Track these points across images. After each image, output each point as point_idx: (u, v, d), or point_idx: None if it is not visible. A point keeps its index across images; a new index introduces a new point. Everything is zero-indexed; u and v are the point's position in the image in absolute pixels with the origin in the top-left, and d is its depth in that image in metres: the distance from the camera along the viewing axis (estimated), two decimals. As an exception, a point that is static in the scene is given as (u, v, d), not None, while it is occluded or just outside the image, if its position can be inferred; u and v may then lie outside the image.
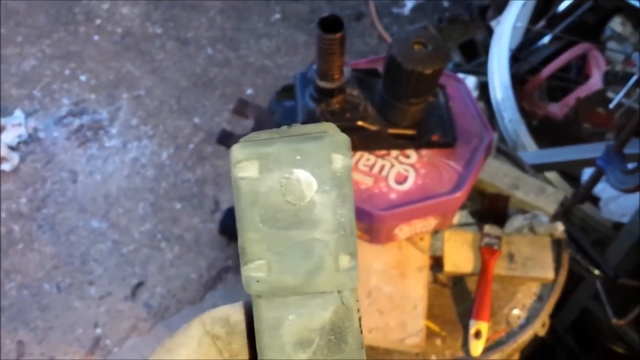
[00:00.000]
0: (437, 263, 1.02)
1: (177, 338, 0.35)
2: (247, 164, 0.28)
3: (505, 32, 1.83)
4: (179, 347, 0.34)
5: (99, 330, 1.67)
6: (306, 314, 0.29)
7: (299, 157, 0.28)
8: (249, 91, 2.20)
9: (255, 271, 0.29)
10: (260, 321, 0.30)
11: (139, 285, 1.74)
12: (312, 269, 0.28)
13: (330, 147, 0.28)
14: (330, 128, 0.29)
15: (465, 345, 0.95)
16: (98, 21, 2.39)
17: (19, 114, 2.10)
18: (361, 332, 0.30)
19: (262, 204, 0.28)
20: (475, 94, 1.78)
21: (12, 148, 2.02)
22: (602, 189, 1.47)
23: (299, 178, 0.28)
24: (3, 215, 1.87)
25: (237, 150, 0.28)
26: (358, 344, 0.29)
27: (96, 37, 2.34)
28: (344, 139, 0.28)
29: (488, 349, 0.94)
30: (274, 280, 0.28)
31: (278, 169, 0.28)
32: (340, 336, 0.29)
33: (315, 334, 0.29)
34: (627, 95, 1.53)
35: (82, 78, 2.22)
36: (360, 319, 0.30)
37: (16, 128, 2.06)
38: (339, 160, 0.28)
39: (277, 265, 0.28)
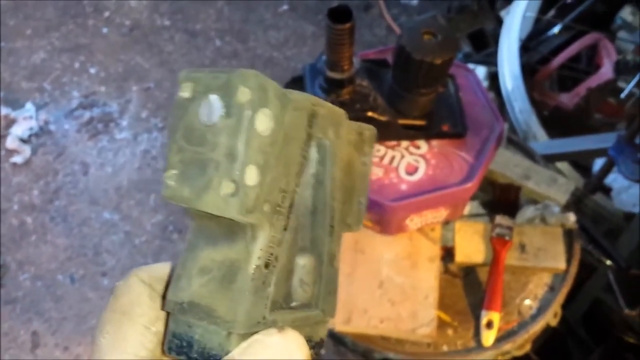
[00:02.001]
0: (448, 254, 1.02)
1: (123, 298, 0.33)
2: (185, 85, 0.32)
3: (515, 21, 1.82)
4: (132, 307, 0.33)
5: (111, 321, 1.68)
6: (217, 245, 0.32)
7: (217, 85, 0.30)
8: (258, 83, 2.20)
9: (168, 179, 0.31)
10: (186, 241, 0.34)
11: (151, 276, 1.76)
12: (202, 186, 0.30)
13: (239, 79, 0.30)
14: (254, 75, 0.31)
15: (476, 335, 0.95)
16: (106, 13, 2.40)
17: (29, 106, 2.11)
18: (252, 279, 0.31)
19: (185, 121, 0.31)
20: (485, 84, 1.78)
21: (24, 141, 2.03)
22: (614, 179, 1.46)
23: (211, 102, 0.30)
24: (16, 207, 1.89)
25: (181, 73, 0.32)
26: (244, 286, 0.31)
27: (105, 30, 2.35)
28: (256, 78, 0.31)
29: (500, 340, 0.94)
30: (177, 189, 0.31)
31: (203, 93, 0.31)
32: (231, 275, 0.31)
33: (215, 265, 0.32)
34: (638, 84, 1.52)
35: (92, 71, 2.23)
36: (260, 268, 0.32)
37: (27, 121, 2.07)
38: (246, 94, 0.30)
39: (181, 176, 0.31)
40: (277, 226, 0.33)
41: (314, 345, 0.36)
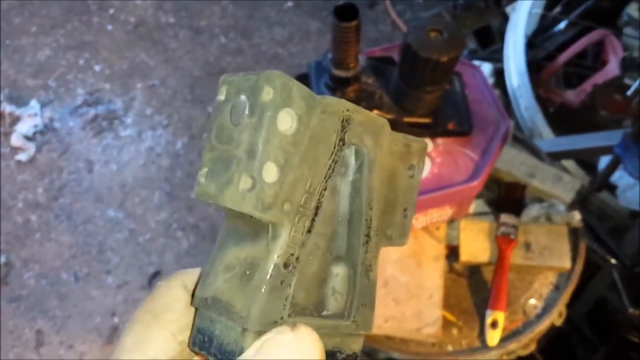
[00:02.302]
0: (453, 252, 1.01)
1: (160, 300, 0.34)
2: (221, 89, 0.33)
3: (521, 18, 1.81)
4: (165, 311, 0.33)
5: (116, 319, 1.69)
6: (243, 243, 0.33)
7: (247, 87, 0.32)
8: (263, 80, 2.20)
9: (200, 176, 0.32)
10: (217, 239, 0.35)
11: (156, 274, 1.76)
12: (224, 182, 0.31)
13: (265, 80, 0.31)
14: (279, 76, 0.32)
15: (481, 335, 0.94)
16: (111, 11, 2.40)
17: (34, 104, 2.11)
18: (269, 276, 0.32)
19: (218, 121, 0.32)
20: (490, 81, 1.77)
21: (28, 138, 2.03)
22: (620, 176, 1.45)
23: (239, 102, 0.31)
24: (20, 205, 1.89)
25: (221, 77, 0.34)
26: (261, 284, 0.32)
27: (110, 27, 2.35)
28: (281, 78, 0.32)
29: (504, 339, 0.94)
30: (205, 186, 0.31)
31: (234, 94, 0.32)
32: (251, 272, 0.32)
33: (238, 263, 0.33)
34: (645, 81, 1.51)
35: (97, 68, 2.23)
36: (278, 267, 0.32)
37: (32, 118, 2.07)
38: (269, 94, 0.31)
39: (210, 173, 0.32)
40: (298, 227, 0.33)
41: (345, 358, 0.36)
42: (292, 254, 0.33)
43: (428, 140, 0.95)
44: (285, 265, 0.33)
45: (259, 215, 0.31)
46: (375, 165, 0.36)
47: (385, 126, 0.37)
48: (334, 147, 0.34)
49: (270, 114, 0.31)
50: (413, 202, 0.40)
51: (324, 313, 0.35)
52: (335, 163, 0.34)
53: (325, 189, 0.34)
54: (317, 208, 0.34)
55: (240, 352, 0.31)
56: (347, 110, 0.35)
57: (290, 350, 0.30)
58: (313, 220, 0.34)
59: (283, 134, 0.32)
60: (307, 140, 0.33)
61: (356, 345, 0.37)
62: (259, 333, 0.31)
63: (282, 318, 0.32)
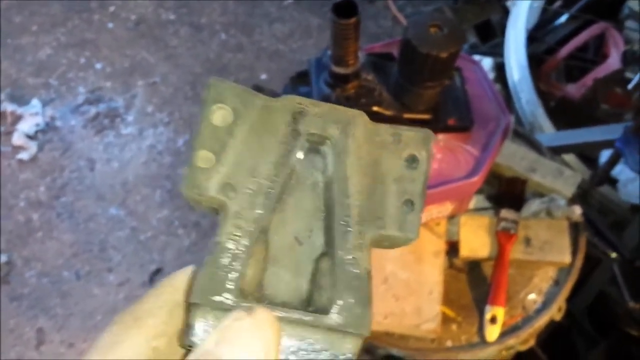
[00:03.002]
0: (453, 248, 1.01)
1: (145, 304, 0.33)
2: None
3: (522, 12, 1.81)
4: (146, 316, 0.33)
5: (118, 316, 1.69)
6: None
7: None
8: (263, 76, 2.20)
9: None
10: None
11: (157, 271, 1.76)
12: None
13: (207, 85, 0.37)
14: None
15: (481, 330, 0.94)
16: (112, 8, 2.40)
17: (36, 102, 2.12)
18: (210, 253, 0.35)
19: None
20: (491, 75, 1.76)
21: (30, 137, 2.04)
22: (621, 170, 1.45)
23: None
24: (22, 204, 1.90)
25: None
26: (206, 260, 0.35)
27: (110, 25, 2.35)
28: (215, 81, 0.37)
29: (504, 334, 0.94)
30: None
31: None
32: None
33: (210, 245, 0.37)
34: (646, 75, 1.51)
35: (98, 66, 2.23)
36: (221, 245, 0.35)
37: (33, 117, 2.08)
38: (205, 94, 0.37)
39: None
40: (243, 207, 0.36)
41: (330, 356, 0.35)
42: (235, 234, 0.35)
43: (427, 136, 0.95)
44: (228, 243, 0.35)
45: (196, 197, 0.35)
46: (347, 155, 0.37)
47: (358, 117, 0.38)
48: (285, 137, 0.37)
49: (205, 109, 0.36)
50: (418, 193, 0.38)
51: (310, 309, 0.35)
52: (288, 151, 0.37)
53: (277, 176, 0.36)
54: (269, 193, 0.36)
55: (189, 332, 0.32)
56: (300, 104, 0.37)
57: (250, 334, 0.30)
58: (264, 204, 0.36)
59: (217, 126, 0.36)
60: (246, 132, 0.37)
61: (348, 347, 0.35)
62: (201, 308, 0.32)
63: (228, 298, 0.33)
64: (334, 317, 0.35)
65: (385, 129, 0.38)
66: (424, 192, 0.38)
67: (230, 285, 0.34)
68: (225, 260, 0.34)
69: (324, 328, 0.34)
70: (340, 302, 0.35)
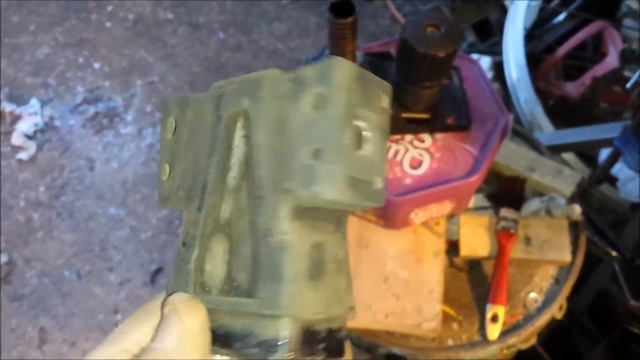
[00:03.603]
0: (453, 247, 1.02)
1: (128, 326, 0.34)
2: None
3: (520, 10, 1.81)
4: (128, 329, 0.34)
5: (119, 316, 1.69)
6: None
7: None
8: (262, 75, 2.20)
9: None
10: None
11: (158, 271, 1.76)
12: None
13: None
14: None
15: (481, 329, 0.95)
16: (110, 8, 2.39)
17: (34, 102, 2.12)
18: (175, 256, 0.38)
19: None
20: (489, 74, 1.76)
21: (29, 137, 2.04)
22: (620, 169, 1.45)
23: None
24: (22, 203, 1.89)
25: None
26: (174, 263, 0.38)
27: (108, 24, 2.35)
28: (165, 100, 0.41)
29: (505, 333, 0.94)
30: None
31: None
32: None
33: None
34: (645, 73, 1.51)
35: (96, 65, 2.23)
36: (180, 247, 0.37)
37: (32, 117, 2.08)
38: (161, 112, 0.41)
39: None
40: (191, 208, 0.36)
41: (259, 343, 0.32)
42: (188, 233, 0.36)
43: (427, 136, 0.95)
44: (184, 244, 0.36)
45: (163, 206, 0.39)
46: (256, 121, 0.34)
47: (263, 79, 0.34)
48: (212, 126, 0.36)
49: (161, 126, 0.39)
50: (327, 138, 0.31)
51: (237, 293, 0.34)
52: (214, 140, 0.36)
53: (209, 167, 0.36)
54: (204, 186, 0.36)
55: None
56: (220, 87, 0.37)
57: (179, 324, 0.31)
58: (202, 198, 0.36)
59: (168, 138, 0.39)
60: (186, 134, 0.38)
61: (270, 330, 0.31)
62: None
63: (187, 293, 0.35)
64: (255, 298, 0.32)
65: (284, 77, 0.34)
66: (339, 134, 0.31)
67: (189, 282, 0.35)
68: (183, 262, 0.36)
69: (251, 313, 0.32)
70: (260, 282, 0.32)
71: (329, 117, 0.31)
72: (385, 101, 0.34)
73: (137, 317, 0.35)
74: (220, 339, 0.33)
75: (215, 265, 0.36)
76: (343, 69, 0.31)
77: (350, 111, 0.31)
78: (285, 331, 0.31)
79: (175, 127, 0.39)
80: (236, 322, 0.33)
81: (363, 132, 0.32)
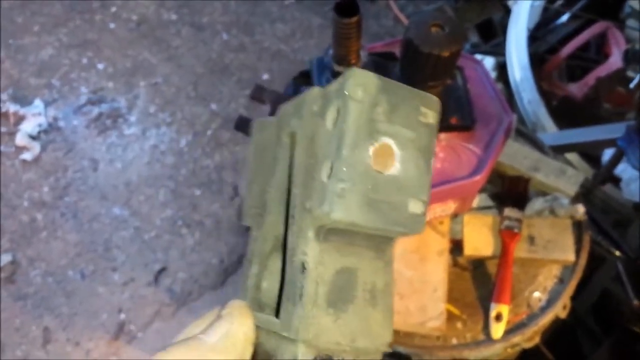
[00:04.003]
0: (457, 247, 1.02)
1: (194, 322, 0.35)
2: None
3: (523, 11, 1.81)
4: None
5: (123, 316, 1.69)
6: None
7: None
8: (265, 76, 2.20)
9: None
10: None
11: (162, 271, 1.77)
12: None
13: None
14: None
15: (485, 328, 0.95)
16: (113, 9, 2.40)
17: (38, 103, 2.12)
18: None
19: None
20: (493, 74, 1.77)
21: (33, 137, 2.04)
22: (623, 169, 1.45)
23: None
24: (26, 204, 1.90)
25: None
26: None
27: (112, 25, 2.35)
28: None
29: (509, 332, 0.94)
30: None
31: None
32: None
33: None
34: (648, 73, 1.51)
35: (100, 66, 2.23)
36: (245, 262, 0.38)
37: (36, 117, 2.08)
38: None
39: None
40: (257, 226, 0.37)
41: None
42: (252, 250, 0.37)
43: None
44: (248, 260, 0.37)
45: (242, 222, 0.39)
46: (298, 140, 0.34)
47: (305, 97, 0.34)
48: (274, 146, 0.37)
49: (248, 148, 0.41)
50: (336, 153, 0.29)
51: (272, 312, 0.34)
52: (275, 159, 0.36)
53: (270, 185, 0.37)
54: (264, 204, 0.37)
55: None
56: (283, 109, 0.38)
57: (227, 324, 0.32)
58: (262, 215, 0.37)
59: (250, 160, 0.40)
60: (259, 155, 0.39)
61: (288, 353, 0.30)
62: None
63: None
64: (279, 320, 0.32)
65: (321, 92, 0.33)
66: (351, 150, 0.29)
67: (247, 298, 0.35)
68: (245, 277, 0.36)
69: (277, 333, 0.32)
70: (283, 302, 0.32)
71: (342, 132, 0.29)
72: (429, 116, 0.31)
73: (203, 316, 0.35)
74: (257, 355, 0.33)
75: (272, 283, 0.35)
76: (358, 81, 0.30)
77: (370, 126, 0.29)
78: (300, 356, 0.30)
79: (255, 149, 0.40)
80: (269, 340, 0.32)
81: (391, 149, 0.30)
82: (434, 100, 0.32)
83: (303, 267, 0.30)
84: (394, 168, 0.30)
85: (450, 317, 0.96)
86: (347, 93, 0.29)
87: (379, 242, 0.32)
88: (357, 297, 0.31)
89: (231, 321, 0.32)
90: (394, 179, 0.30)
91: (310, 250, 0.30)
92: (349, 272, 0.31)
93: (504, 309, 0.93)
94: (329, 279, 0.30)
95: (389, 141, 0.30)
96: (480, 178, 0.90)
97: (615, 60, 1.62)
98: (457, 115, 0.95)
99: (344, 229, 0.30)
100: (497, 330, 0.93)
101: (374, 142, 0.29)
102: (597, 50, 1.73)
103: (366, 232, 0.30)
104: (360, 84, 0.30)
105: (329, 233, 0.30)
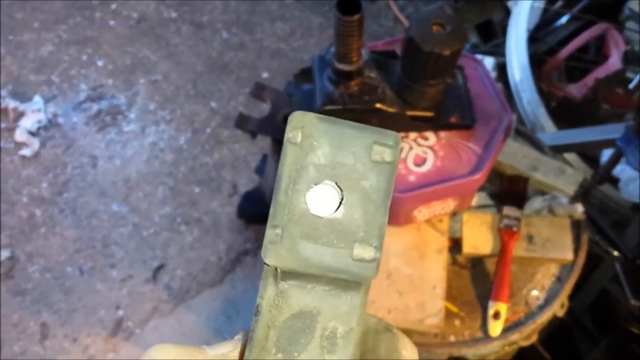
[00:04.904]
0: (455, 245, 1.02)
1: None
2: None
3: (523, 12, 1.81)
4: None
5: (121, 312, 1.70)
6: None
7: None
8: (265, 75, 2.21)
9: None
10: None
11: (160, 267, 1.77)
12: None
13: None
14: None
15: (483, 326, 0.95)
16: (113, 6, 2.40)
17: (38, 99, 2.12)
18: None
19: None
20: (493, 75, 1.77)
21: (32, 133, 2.04)
22: (622, 169, 1.46)
23: None
24: (25, 200, 1.90)
25: None
26: None
27: (112, 22, 2.35)
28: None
29: (507, 330, 0.94)
30: None
31: None
32: None
33: None
34: (647, 75, 1.52)
35: (99, 63, 2.23)
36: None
37: (35, 113, 2.08)
38: None
39: None
40: None
41: None
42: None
43: (431, 134, 0.96)
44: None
45: None
46: None
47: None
48: None
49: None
50: (274, 201, 0.30)
51: None
52: None
53: None
54: None
55: None
56: None
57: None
58: None
59: None
60: None
61: None
62: None
63: None
64: None
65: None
66: (283, 192, 0.30)
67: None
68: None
69: None
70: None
71: (278, 177, 0.29)
72: (385, 154, 0.30)
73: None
74: None
75: None
76: (297, 124, 0.29)
77: (310, 170, 0.29)
78: None
79: None
80: None
81: (333, 193, 0.29)
82: (392, 136, 0.30)
83: (257, 310, 0.30)
84: (337, 212, 0.29)
85: (449, 315, 0.96)
86: (286, 137, 0.29)
87: (345, 286, 0.30)
88: (312, 343, 0.30)
89: (235, 345, 0.32)
90: (337, 223, 0.29)
91: (265, 293, 0.30)
92: (307, 316, 0.30)
93: (502, 307, 0.94)
94: (283, 323, 0.30)
95: (330, 184, 0.29)
96: (479, 176, 0.91)
97: (614, 62, 1.62)
98: (457, 114, 0.96)
99: (301, 272, 0.29)
100: (495, 328, 0.93)
101: (312, 186, 0.29)
102: (597, 51, 1.74)
103: (322, 276, 0.30)
104: (298, 127, 0.29)
105: (285, 276, 0.30)
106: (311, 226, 0.29)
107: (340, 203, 0.29)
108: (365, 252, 0.29)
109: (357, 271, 0.29)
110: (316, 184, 0.29)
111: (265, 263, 0.29)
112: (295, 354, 0.29)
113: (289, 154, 0.29)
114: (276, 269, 0.29)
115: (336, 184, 0.29)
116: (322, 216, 0.29)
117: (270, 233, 0.29)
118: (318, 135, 0.29)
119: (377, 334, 0.32)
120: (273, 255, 0.29)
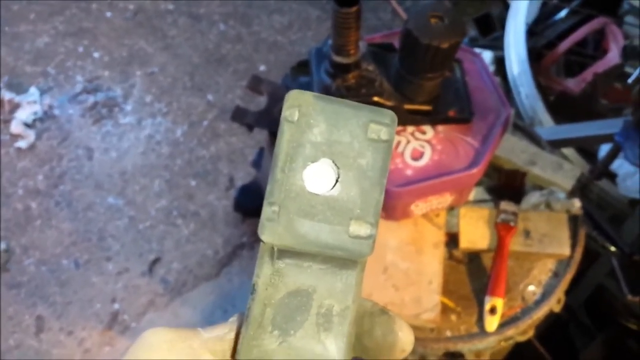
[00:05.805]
0: (452, 239, 1.02)
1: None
2: None
3: (522, 6, 1.81)
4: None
5: (116, 306, 1.69)
6: None
7: None
8: (262, 67, 2.20)
9: None
10: None
11: (156, 261, 1.76)
12: None
13: None
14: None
15: (480, 320, 0.95)
16: (110, -3, 2.39)
17: (33, 91, 2.11)
18: None
19: None
20: (491, 69, 1.77)
21: (28, 125, 2.03)
22: (620, 165, 1.45)
23: None
24: (20, 192, 1.89)
25: None
26: None
27: (108, 14, 2.34)
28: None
29: (503, 325, 0.94)
30: None
31: None
32: None
33: None
34: (646, 70, 1.51)
35: (96, 55, 2.22)
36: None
37: (31, 105, 2.07)
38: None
39: None
40: None
41: None
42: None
43: (428, 128, 0.95)
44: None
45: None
46: None
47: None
48: None
49: None
50: (271, 179, 0.31)
51: None
52: None
53: None
54: None
55: None
56: None
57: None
58: None
59: None
60: None
61: None
62: None
63: None
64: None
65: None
66: (280, 169, 0.30)
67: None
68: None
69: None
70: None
71: (275, 155, 0.30)
72: (381, 132, 0.30)
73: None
74: None
75: None
76: (293, 102, 0.30)
77: (306, 147, 0.29)
78: None
79: None
80: None
81: (329, 170, 0.30)
82: (388, 114, 0.30)
83: (253, 289, 0.30)
84: (334, 189, 0.30)
85: (445, 310, 0.96)
86: (283, 115, 0.30)
87: (341, 265, 0.31)
88: (308, 321, 0.30)
89: (231, 327, 0.32)
90: (333, 201, 0.29)
91: (261, 272, 0.30)
92: (303, 294, 0.30)
93: (499, 302, 0.93)
94: (279, 301, 0.30)
95: (326, 162, 0.30)
96: (477, 171, 0.91)
97: (613, 56, 1.62)
98: (456, 108, 0.95)
99: (297, 250, 0.30)
100: (491, 323, 0.93)
101: (309, 164, 0.29)
102: (595, 46, 1.74)
103: (318, 254, 0.30)
104: (295, 105, 0.30)
105: (282, 254, 0.30)
106: (308, 203, 0.29)
107: (337, 181, 0.30)
108: (361, 229, 0.29)
109: (354, 248, 0.29)
110: (313, 162, 0.29)
111: (261, 240, 0.30)
112: (292, 332, 0.30)
113: (285, 131, 0.29)
114: (272, 247, 0.30)
115: (333, 161, 0.30)
116: (318, 194, 0.29)
117: (267, 210, 0.29)
118: (315, 114, 0.30)
119: (372, 317, 0.32)
120: (270, 232, 0.29)
